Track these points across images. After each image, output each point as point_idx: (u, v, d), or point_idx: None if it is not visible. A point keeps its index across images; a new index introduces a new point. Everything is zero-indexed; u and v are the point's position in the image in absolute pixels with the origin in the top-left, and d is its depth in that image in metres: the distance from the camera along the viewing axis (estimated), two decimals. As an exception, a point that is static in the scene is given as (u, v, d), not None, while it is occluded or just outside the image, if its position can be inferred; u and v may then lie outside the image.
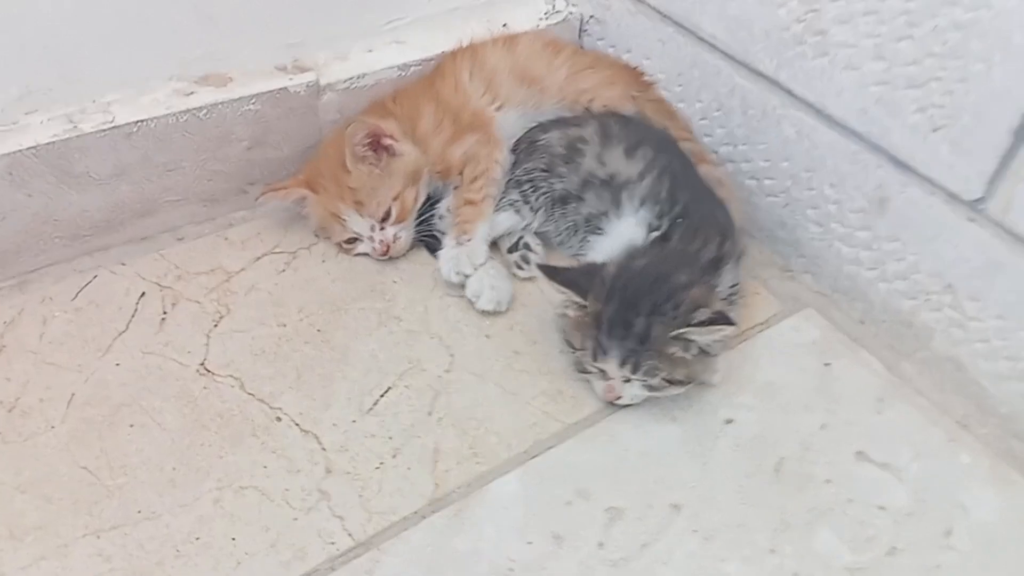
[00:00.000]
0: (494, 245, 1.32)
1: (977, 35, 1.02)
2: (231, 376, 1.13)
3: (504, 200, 1.32)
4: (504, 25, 1.49)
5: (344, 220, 1.27)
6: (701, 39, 1.39)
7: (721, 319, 1.06)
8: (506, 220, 1.32)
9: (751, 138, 1.37)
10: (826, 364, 1.24)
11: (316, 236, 1.34)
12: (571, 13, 1.54)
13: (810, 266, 1.36)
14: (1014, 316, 1.11)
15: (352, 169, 1.24)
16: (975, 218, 1.11)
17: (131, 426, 1.07)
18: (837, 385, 1.21)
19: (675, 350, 1.08)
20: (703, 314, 1.07)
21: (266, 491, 1.02)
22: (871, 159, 1.20)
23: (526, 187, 1.32)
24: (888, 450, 1.12)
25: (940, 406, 1.18)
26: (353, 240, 1.30)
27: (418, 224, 1.32)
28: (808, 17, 1.21)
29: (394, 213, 1.27)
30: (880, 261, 1.25)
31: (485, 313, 1.24)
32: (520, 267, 1.32)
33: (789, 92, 1.28)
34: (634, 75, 1.46)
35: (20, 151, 1.12)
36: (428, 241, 1.34)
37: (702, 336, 1.07)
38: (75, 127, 1.15)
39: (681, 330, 1.06)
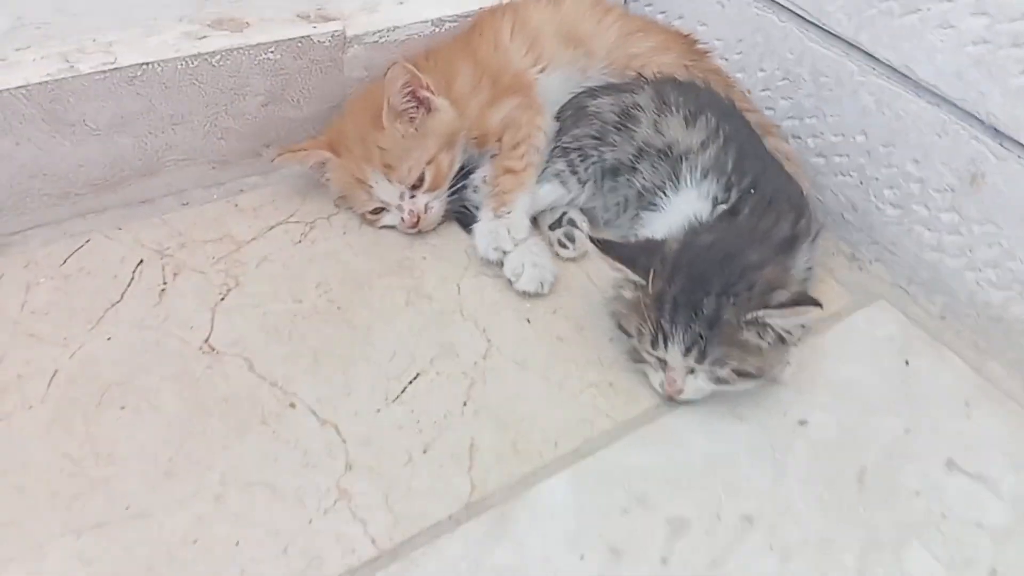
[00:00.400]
0: (534, 221, 1.19)
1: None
2: (239, 355, 1.00)
3: (548, 170, 1.19)
4: (547, -19, 1.35)
5: (371, 187, 1.13)
6: (768, -1, 1.26)
7: (806, 299, 0.93)
8: (550, 192, 1.18)
9: (821, 110, 1.24)
10: (906, 362, 1.12)
11: (336, 206, 1.21)
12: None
13: (883, 254, 1.23)
14: None
15: (387, 125, 1.10)
16: (1091, 196, 0.98)
17: (122, 408, 0.94)
18: (919, 386, 1.09)
19: (749, 336, 0.95)
20: (782, 295, 0.93)
21: (277, 488, 0.88)
22: (964, 130, 1.08)
23: (573, 156, 1.18)
24: (981, 460, 1.01)
25: None
26: (379, 210, 1.16)
27: (450, 196, 1.18)
28: (900, -32, 1.08)
29: (428, 179, 1.13)
30: (968, 247, 1.12)
31: (526, 295, 1.11)
32: (564, 245, 1.19)
33: (870, 56, 1.15)
34: (688, 42, 1.34)
35: (8, 91, 0.99)
36: (461, 214, 1.21)
37: (785, 319, 0.94)
38: (72, 67, 1.03)
39: (759, 312, 0.92)
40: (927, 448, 1.01)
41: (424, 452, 0.93)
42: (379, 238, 1.17)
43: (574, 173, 1.18)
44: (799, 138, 1.28)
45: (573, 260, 1.19)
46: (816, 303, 0.93)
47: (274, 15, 1.15)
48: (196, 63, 1.08)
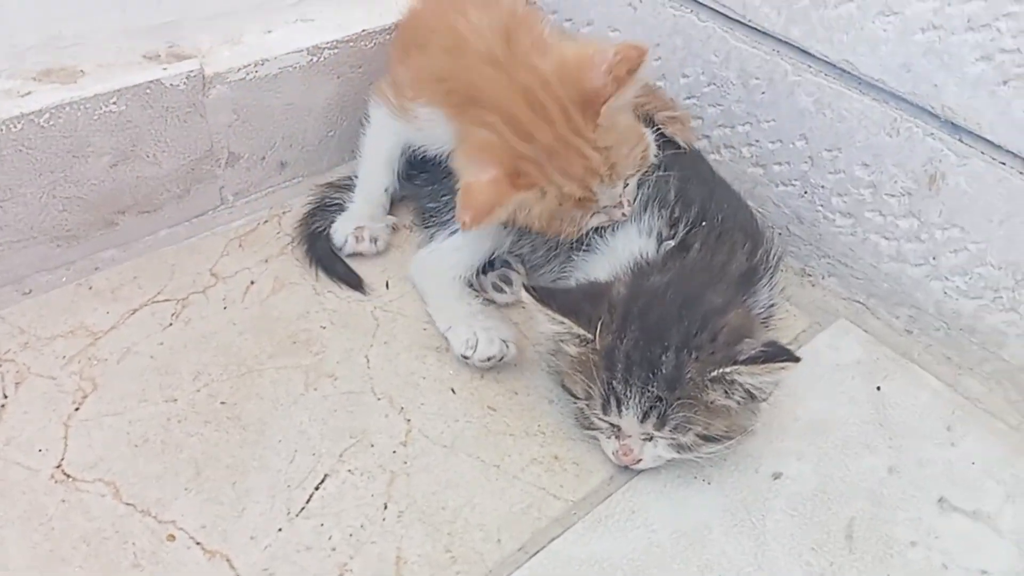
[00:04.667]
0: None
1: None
2: (101, 480, 0.81)
3: None
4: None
5: (596, 199, 0.89)
6: (685, -2, 1.13)
7: (781, 352, 0.79)
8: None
9: (755, 115, 1.12)
10: (877, 388, 1.01)
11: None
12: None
13: (837, 268, 1.12)
14: (1112, 312, 0.88)
15: (609, 121, 0.86)
16: (1063, 190, 0.88)
17: (-50, 570, 0.74)
18: (895, 414, 0.99)
19: (715, 396, 0.81)
20: (750, 347, 0.80)
21: (157, 652, 0.70)
22: (918, 127, 0.98)
23: None
24: (974, 492, 0.92)
25: (1020, 429, 0.99)
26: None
27: None
28: (831, -49, 0.96)
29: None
30: (931, 254, 1.02)
31: (490, 360, 0.95)
32: (500, 289, 1.05)
33: (805, 52, 1.04)
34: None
35: None
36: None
37: (754, 377, 0.80)
38: None
39: (726, 369, 0.78)
40: (915, 487, 0.91)
41: (341, 576, 0.76)
42: (268, 310, 0.99)
43: None
44: (733, 147, 1.16)
45: (508, 305, 1.05)
46: (793, 357, 0.80)
47: (115, 59, 0.97)
48: (20, 126, 0.89)
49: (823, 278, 1.14)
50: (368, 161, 1.08)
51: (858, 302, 1.11)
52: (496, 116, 0.87)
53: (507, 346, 0.95)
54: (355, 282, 1.05)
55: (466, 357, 0.94)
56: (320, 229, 1.09)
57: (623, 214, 0.93)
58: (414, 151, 1.05)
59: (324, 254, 1.06)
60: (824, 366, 1.03)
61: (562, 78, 0.86)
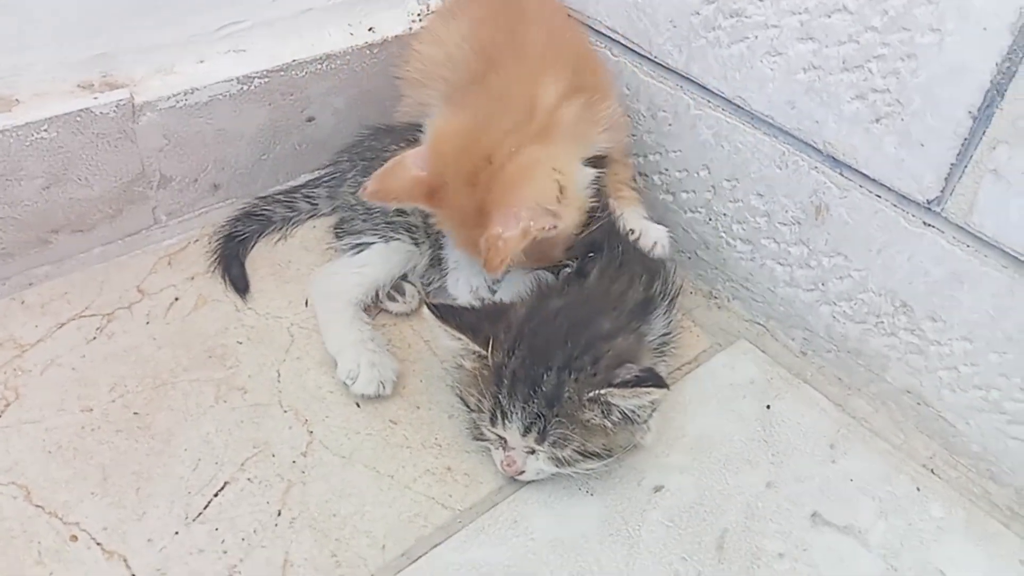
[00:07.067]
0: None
1: (924, -1, 0.84)
2: (14, 483, 0.87)
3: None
4: (370, 29, 1.26)
5: None
6: (597, 32, 1.19)
7: (650, 378, 0.85)
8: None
9: (663, 145, 1.18)
10: (767, 406, 1.05)
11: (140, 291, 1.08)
12: (448, 13, 1.32)
13: (739, 291, 1.17)
14: (982, 337, 0.94)
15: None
16: (932, 222, 0.94)
17: None
18: (781, 431, 1.04)
19: (592, 415, 0.86)
20: (628, 371, 0.85)
21: (49, 644, 0.75)
22: (803, 161, 1.03)
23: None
24: (848, 508, 0.96)
25: (902, 448, 1.04)
26: None
27: None
28: (719, -5, 1.02)
29: None
30: (820, 280, 1.07)
31: (364, 398, 0.99)
32: (394, 298, 1.10)
33: (704, 87, 1.09)
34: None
35: None
36: None
37: (625, 400, 0.85)
38: None
39: (601, 391, 0.84)
40: (791, 502, 0.96)
41: (228, 578, 0.82)
42: (188, 325, 1.05)
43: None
44: (645, 175, 1.22)
45: (405, 315, 1.10)
46: (662, 384, 0.85)
47: (51, 88, 1.02)
48: (-46, 152, 0.95)
49: (728, 300, 1.19)
50: None
51: (759, 324, 1.16)
52: None
53: (383, 387, 0.98)
54: (241, 287, 1.10)
55: (347, 385, 0.98)
56: (237, 234, 1.14)
57: None
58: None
59: (229, 255, 1.12)
60: (718, 384, 1.08)
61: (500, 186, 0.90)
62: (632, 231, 1.04)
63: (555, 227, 0.90)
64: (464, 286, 1.03)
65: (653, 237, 1.05)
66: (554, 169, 0.91)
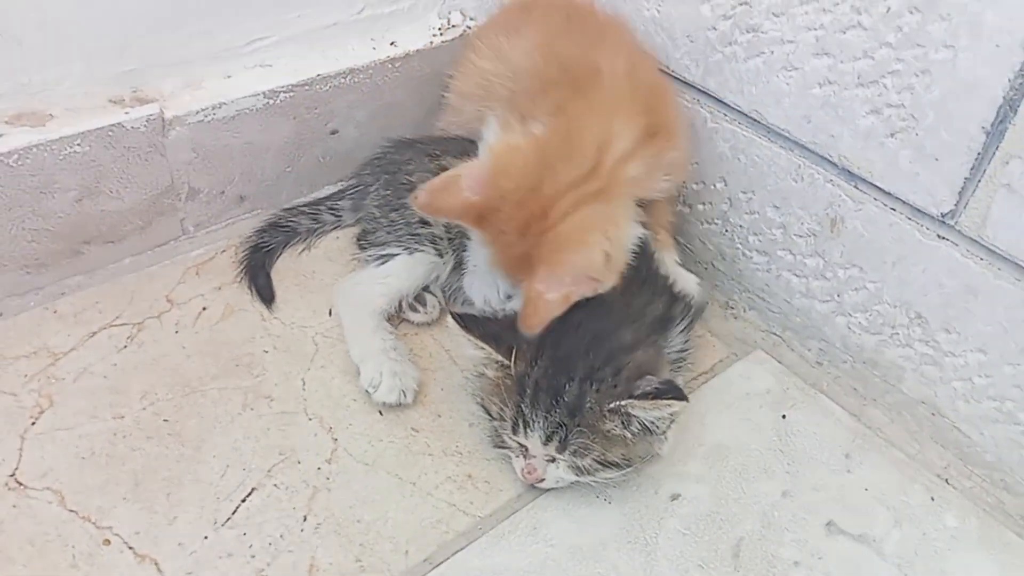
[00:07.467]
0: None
1: (938, 16, 0.85)
2: (49, 489, 0.90)
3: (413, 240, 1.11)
4: (392, 44, 1.29)
5: None
6: (615, 47, 1.21)
7: (670, 391, 0.86)
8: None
9: (680, 158, 1.19)
10: (783, 416, 1.07)
11: (169, 302, 1.11)
12: (468, 28, 1.34)
13: (755, 301, 1.19)
14: (996, 349, 0.95)
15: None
16: (946, 235, 0.95)
17: (-94, 569, 0.83)
18: (797, 441, 1.05)
19: (612, 426, 0.88)
20: (648, 383, 0.87)
21: (85, 645, 0.78)
22: (819, 174, 1.04)
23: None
24: (863, 517, 0.97)
25: (917, 458, 1.05)
26: None
27: None
28: (737, 12, 1.03)
29: None
30: (836, 292, 1.08)
31: (386, 406, 1.01)
32: (415, 309, 1.12)
33: (721, 101, 1.11)
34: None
35: None
36: None
37: (646, 412, 0.87)
38: None
39: (621, 402, 0.86)
40: (806, 511, 0.97)
41: (257, 581, 0.84)
42: (216, 334, 1.07)
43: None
44: (662, 186, 1.24)
45: (427, 325, 1.12)
46: (682, 396, 0.87)
47: (83, 103, 1.05)
48: (-9, 166, 0.98)
49: (744, 311, 1.21)
50: None
51: (775, 334, 1.18)
52: None
53: (405, 395, 1.00)
54: (267, 297, 1.12)
55: (369, 393, 1.00)
56: (263, 244, 1.17)
57: None
58: None
59: (256, 265, 1.14)
60: (734, 394, 1.09)
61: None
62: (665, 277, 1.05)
63: (595, 291, 0.91)
64: (478, 294, 1.05)
65: (683, 286, 1.07)
66: (606, 237, 0.91)
